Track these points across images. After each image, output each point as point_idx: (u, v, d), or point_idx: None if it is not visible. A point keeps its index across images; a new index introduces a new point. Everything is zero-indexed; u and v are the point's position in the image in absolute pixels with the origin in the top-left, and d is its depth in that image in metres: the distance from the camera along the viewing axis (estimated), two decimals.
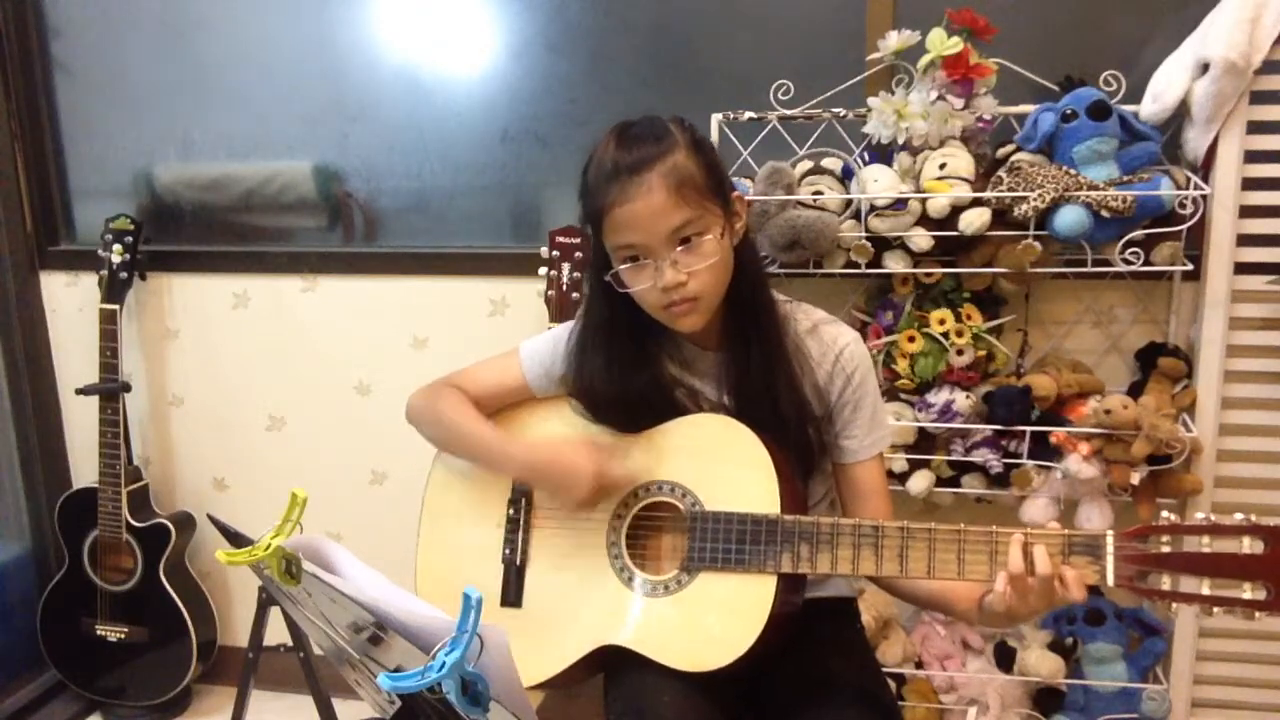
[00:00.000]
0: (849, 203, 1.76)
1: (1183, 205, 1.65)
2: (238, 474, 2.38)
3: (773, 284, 1.32)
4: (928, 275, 1.78)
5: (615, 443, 1.32)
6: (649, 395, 1.31)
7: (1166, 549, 1.07)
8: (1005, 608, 1.10)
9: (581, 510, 1.30)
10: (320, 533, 0.99)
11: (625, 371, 1.30)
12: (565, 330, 1.37)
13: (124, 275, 2.20)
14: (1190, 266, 1.71)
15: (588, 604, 1.28)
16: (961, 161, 1.70)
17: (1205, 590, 1.05)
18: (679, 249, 1.18)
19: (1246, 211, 1.72)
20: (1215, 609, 1.05)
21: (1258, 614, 1.03)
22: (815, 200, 1.75)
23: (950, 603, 1.23)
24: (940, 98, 1.69)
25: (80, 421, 2.42)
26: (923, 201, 1.70)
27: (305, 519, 0.97)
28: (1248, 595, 1.04)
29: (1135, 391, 1.79)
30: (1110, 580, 1.08)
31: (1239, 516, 1.05)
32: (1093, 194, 1.63)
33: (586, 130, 2.09)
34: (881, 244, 1.76)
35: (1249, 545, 1.04)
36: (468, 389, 1.40)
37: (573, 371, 1.34)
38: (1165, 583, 1.07)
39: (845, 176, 1.80)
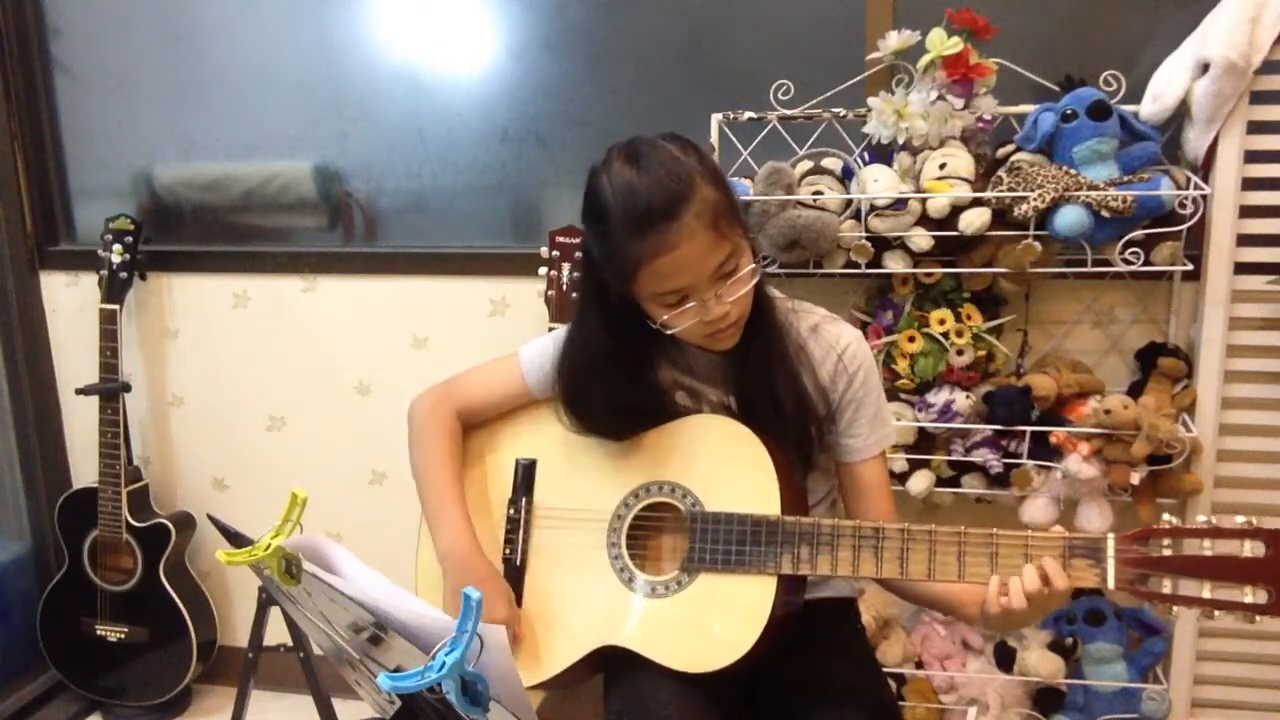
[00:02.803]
0: (849, 203, 1.76)
1: (1183, 205, 1.65)
2: (238, 474, 2.38)
3: (773, 284, 1.32)
4: (928, 275, 1.78)
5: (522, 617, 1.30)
6: (650, 405, 1.31)
7: (1167, 552, 1.07)
8: (1001, 610, 1.10)
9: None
10: (320, 533, 0.99)
11: (627, 389, 1.29)
12: (564, 334, 1.35)
13: (124, 275, 2.20)
14: (1190, 266, 1.71)
15: (588, 604, 1.28)
16: (961, 161, 1.70)
17: (1206, 593, 1.05)
18: (723, 283, 1.17)
19: (1246, 211, 1.72)
20: (1216, 612, 1.05)
21: (1258, 617, 1.04)
22: (815, 200, 1.75)
23: (958, 604, 1.23)
24: (940, 98, 1.69)
25: (80, 421, 2.42)
26: (923, 201, 1.69)
27: (305, 519, 0.97)
28: (1248, 599, 1.04)
29: (1135, 391, 1.79)
30: (1111, 583, 1.08)
31: (1240, 520, 1.05)
32: (1093, 194, 1.63)
33: (586, 130, 2.09)
34: (881, 244, 1.76)
35: (1250, 549, 1.04)
36: (468, 403, 1.40)
37: (568, 399, 1.33)
38: (1166, 586, 1.07)
39: (845, 176, 1.80)
